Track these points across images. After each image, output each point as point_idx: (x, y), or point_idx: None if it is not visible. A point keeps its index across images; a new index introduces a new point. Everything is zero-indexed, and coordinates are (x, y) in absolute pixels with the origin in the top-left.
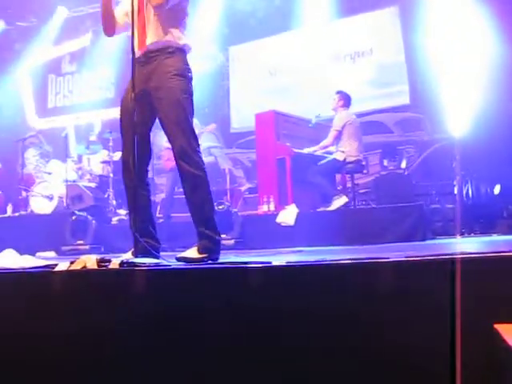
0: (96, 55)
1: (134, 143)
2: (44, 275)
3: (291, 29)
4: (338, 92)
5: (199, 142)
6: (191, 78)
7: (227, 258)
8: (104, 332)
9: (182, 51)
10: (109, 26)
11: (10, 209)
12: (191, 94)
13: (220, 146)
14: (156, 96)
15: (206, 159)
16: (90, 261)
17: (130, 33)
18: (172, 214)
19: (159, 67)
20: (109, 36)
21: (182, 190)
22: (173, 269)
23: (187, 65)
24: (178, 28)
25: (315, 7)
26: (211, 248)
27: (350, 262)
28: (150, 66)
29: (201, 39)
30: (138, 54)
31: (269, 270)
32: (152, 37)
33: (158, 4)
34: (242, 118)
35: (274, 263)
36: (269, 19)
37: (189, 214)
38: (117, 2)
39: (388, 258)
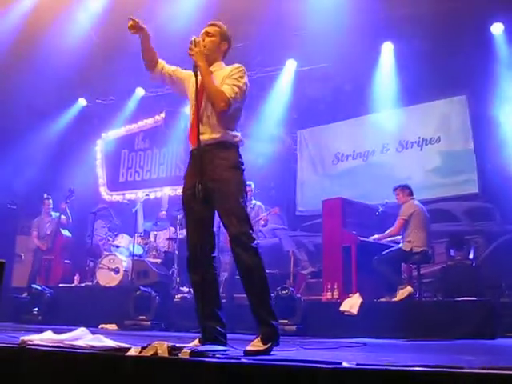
0: (168, 134)
1: (197, 235)
2: (116, 358)
3: (359, 115)
4: (397, 187)
5: (267, 223)
6: (244, 170)
7: (292, 348)
8: None
9: (236, 146)
10: (145, 61)
11: (77, 278)
12: (245, 185)
13: (285, 227)
14: (212, 187)
15: (271, 240)
16: (162, 347)
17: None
18: (235, 295)
19: (215, 160)
20: (147, 70)
21: None
22: (242, 363)
23: (241, 158)
24: (234, 125)
25: (383, 94)
26: (273, 335)
27: (421, 370)
28: (205, 159)
29: (270, 122)
30: (192, 147)
31: (339, 373)
32: (209, 133)
33: (222, 111)
34: (308, 201)
35: (345, 364)
36: (337, 105)
37: None
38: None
39: (463, 369)
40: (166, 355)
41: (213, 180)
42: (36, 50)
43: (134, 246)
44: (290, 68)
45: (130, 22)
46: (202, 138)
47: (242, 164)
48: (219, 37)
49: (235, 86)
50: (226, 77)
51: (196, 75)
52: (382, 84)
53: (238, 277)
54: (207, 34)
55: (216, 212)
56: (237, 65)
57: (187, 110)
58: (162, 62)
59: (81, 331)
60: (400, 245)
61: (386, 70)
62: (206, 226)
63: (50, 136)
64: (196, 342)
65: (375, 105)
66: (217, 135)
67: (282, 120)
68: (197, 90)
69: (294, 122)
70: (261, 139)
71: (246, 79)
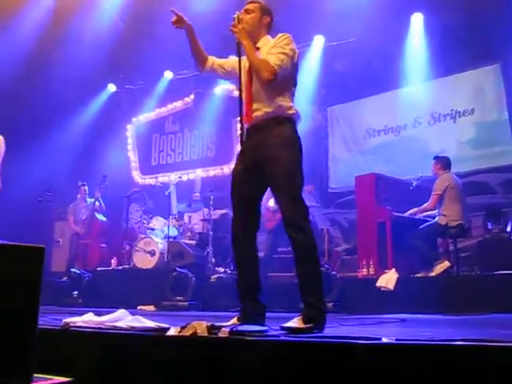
0: (198, 115)
1: (244, 215)
2: (156, 338)
3: (390, 89)
4: (435, 158)
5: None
6: (301, 146)
7: (329, 325)
8: None
9: (291, 121)
10: (195, 60)
11: (114, 262)
12: (301, 163)
13: (318, 205)
14: (266, 166)
15: None
16: (201, 327)
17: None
18: (269, 274)
19: (269, 138)
20: (197, 69)
21: (279, 249)
22: (280, 340)
23: (297, 134)
24: (287, 98)
25: (414, 67)
26: (317, 318)
27: (461, 344)
28: (259, 137)
29: (300, 100)
30: (246, 125)
31: (379, 348)
32: (261, 108)
33: (268, 81)
34: (340, 177)
35: (384, 340)
36: (367, 80)
37: (286, 274)
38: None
39: (501, 343)
40: (206, 334)
41: (266, 158)
42: (63, 39)
43: (168, 228)
44: (317, 44)
45: (174, 18)
46: (254, 114)
47: (298, 139)
48: (259, 12)
49: (280, 53)
50: (271, 47)
51: (239, 54)
52: (412, 56)
53: (274, 256)
54: (246, 11)
55: (271, 192)
56: (281, 34)
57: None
58: (211, 58)
59: (121, 313)
60: (436, 219)
61: (416, 42)
62: (253, 205)
63: (81, 124)
64: (234, 320)
65: (406, 78)
66: (269, 110)
67: (312, 97)
68: (240, 69)
69: (323, 98)
70: None
71: (292, 45)
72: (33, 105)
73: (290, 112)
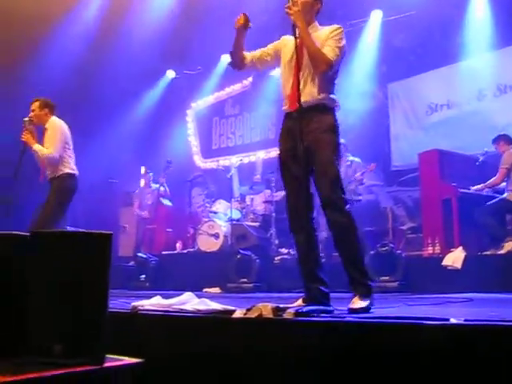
0: (257, 97)
1: (296, 195)
2: (222, 321)
3: (451, 62)
4: (493, 141)
5: (363, 181)
6: (339, 134)
7: (395, 305)
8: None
9: (333, 109)
10: (235, 61)
11: (179, 246)
12: (339, 148)
13: (381, 183)
14: (309, 150)
15: (367, 197)
16: (266, 309)
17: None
18: (334, 254)
19: (312, 123)
20: (235, 69)
21: None
22: (347, 321)
23: (337, 121)
24: (332, 88)
25: (476, 38)
26: (369, 294)
27: None
28: (303, 122)
29: (359, 78)
30: (290, 109)
31: (447, 329)
32: (306, 95)
33: (323, 73)
34: (403, 155)
35: (452, 320)
36: (427, 54)
37: None
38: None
39: None
40: (271, 316)
41: (309, 142)
42: (121, 29)
43: (231, 211)
44: (375, 19)
45: (242, 20)
46: (301, 100)
47: (338, 127)
48: None
49: (336, 47)
50: (326, 38)
51: (295, 36)
52: (475, 26)
53: None
54: None
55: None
56: (336, 26)
57: (280, 72)
58: (247, 55)
59: (187, 296)
60: (504, 195)
61: (478, 11)
62: (304, 187)
63: (142, 111)
64: (300, 301)
65: (468, 50)
66: (316, 97)
67: (372, 74)
68: (297, 53)
69: (383, 75)
70: (350, 96)
71: (344, 41)
72: (96, 94)
73: (333, 101)
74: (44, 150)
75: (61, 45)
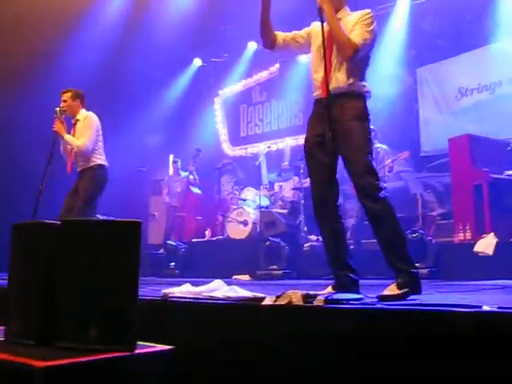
0: (284, 84)
1: (321, 182)
2: (252, 308)
3: (482, 45)
4: None
5: (393, 169)
6: (370, 120)
7: (426, 292)
8: (310, 370)
9: (363, 96)
10: (265, 39)
11: (208, 233)
12: (370, 134)
13: (410, 170)
14: (338, 137)
15: (396, 184)
16: (296, 296)
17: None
18: (362, 241)
19: (341, 110)
20: (267, 49)
21: None
22: (377, 308)
23: (367, 109)
24: (362, 75)
25: (508, 19)
26: (411, 282)
27: None
28: (331, 109)
29: (387, 63)
30: (319, 95)
31: (479, 316)
32: (336, 82)
33: (349, 58)
34: (433, 140)
35: (485, 308)
36: (457, 37)
37: None
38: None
39: None
40: (301, 303)
41: (338, 130)
42: (148, 19)
43: (260, 198)
44: (403, 2)
45: None
46: (330, 86)
47: (369, 114)
48: None
49: (365, 31)
50: (355, 23)
51: (322, 21)
52: (506, 8)
53: (365, 222)
54: None
55: (343, 163)
56: (367, 10)
57: (310, 57)
58: (280, 35)
59: (217, 283)
60: None
61: None
62: (330, 175)
63: (170, 99)
64: (329, 288)
65: (499, 32)
66: (345, 84)
67: (400, 59)
68: (323, 37)
69: (412, 59)
70: (379, 82)
71: (374, 26)
72: (124, 84)
73: (363, 88)
74: (76, 140)
75: (90, 36)
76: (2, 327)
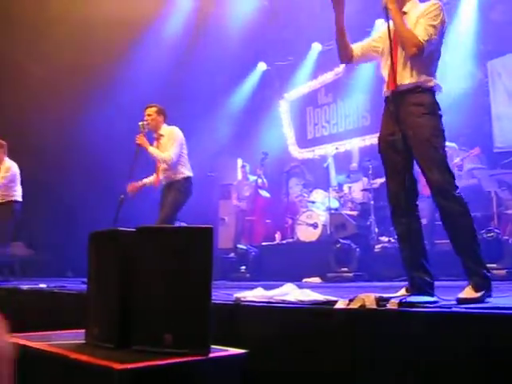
0: (350, 85)
1: (396, 181)
2: (324, 312)
3: None
4: None
5: (463, 167)
6: (441, 116)
7: (504, 294)
8: (386, 372)
9: (432, 91)
10: (342, 54)
11: (278, 236)
12: (442, 130)
13: (483, 167)
14: (408, 134)
15: (469, 182)
16: (369, 299)
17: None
18: (436, 241)
19: (409, 106)
20: (344, 63)
21: None
22: (454, 312)
23: (437, 103)
24: (431, 69)
25: None
26: (485, 284)
27: None
28: (400, 105)
29: (456, 57)
30: (387, 93)
31: None
32: (403, 78)
33: (413, 56)
34: (506, 135)
35: None
36: None
37: None
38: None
39: None
40: (374, 307)
41: (408, 126)
42: (212, 25)
43: (329, 200)
44: None
45: None
46: (397, 83)
47: (439, 109)
48: None
49: (430, 26)
50: (420, 16)
51: (387, 19)
52: None
53: (437, 222)
54: None
55: (415, 161)
56: (434, 1)
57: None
58: (356, 47)
59: (289, 287)
60: None
61: None
62: (406, 173)
63: (237, 104)
64: (403, 291)
65: None
66: (412, 80)
67: (469, 53)
68: (389, 35)
69: (482, 52)
70: (447, 76)
71: (442, 16)
72: (191, 91)
73: (432, 83)
74: (161, 153)
75: (156, 46)
76: (82, 330)
